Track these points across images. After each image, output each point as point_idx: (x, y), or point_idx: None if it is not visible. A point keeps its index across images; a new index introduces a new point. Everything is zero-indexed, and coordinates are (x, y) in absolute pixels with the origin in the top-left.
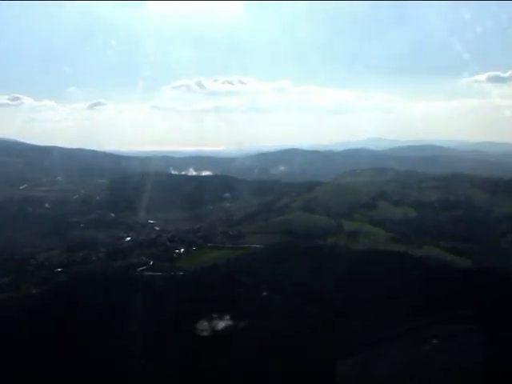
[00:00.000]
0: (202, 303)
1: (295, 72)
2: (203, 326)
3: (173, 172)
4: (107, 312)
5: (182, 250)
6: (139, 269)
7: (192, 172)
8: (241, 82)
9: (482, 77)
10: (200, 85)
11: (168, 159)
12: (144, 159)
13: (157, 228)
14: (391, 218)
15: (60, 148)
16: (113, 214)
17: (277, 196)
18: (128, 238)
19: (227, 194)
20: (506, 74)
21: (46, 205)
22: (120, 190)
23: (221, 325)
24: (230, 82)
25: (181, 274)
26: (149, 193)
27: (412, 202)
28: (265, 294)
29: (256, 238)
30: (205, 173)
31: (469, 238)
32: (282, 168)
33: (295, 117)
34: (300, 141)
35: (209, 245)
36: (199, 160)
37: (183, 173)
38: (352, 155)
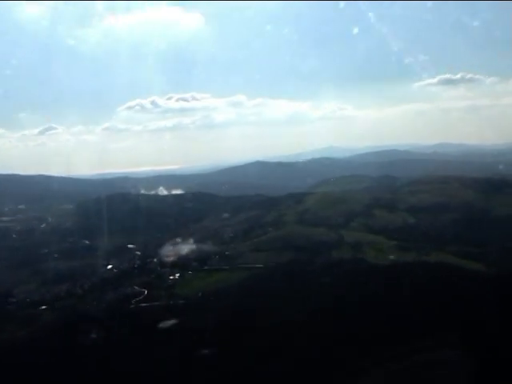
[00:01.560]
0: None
1: (250, 86)
2: None
3: (143, 192)
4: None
5: (177, 275)
6: (134, 300)
7: (163, 191)
8: (195, 99)
9: (434, 80)
10: (154, 104)
11: (130, 180)
12: (105, 181)
13: (138, 253)
14: (390, 226)
15: (17, 175)
16: (87, 241)
17: (262, 210)
18: (109, 266)
19: (208, 212)
20: (457, 77)
21: (13, 235)
22: (90, 214)
23: None
24: (185, 100)
25: (181, 302)
26: (122, 215)
27: (407, 208)
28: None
29: (255, 256)
30: (176, 191)
31: (476, 241)
32: (251, 181)
33: (252, 130)
34: (260, 153)
35: (205, 268)
36: (163, 179)
37: (153, 192)
38: (316, 164)
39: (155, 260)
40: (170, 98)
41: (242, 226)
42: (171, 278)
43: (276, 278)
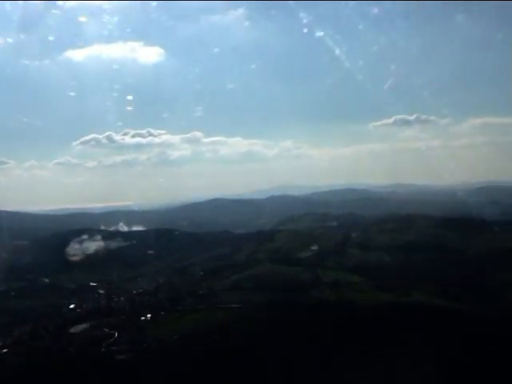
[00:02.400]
0: None
1: (206, 123)
2: None
3: (103, 228)
4: None
5: (149, 316)
6: (104, 343)
7: (123, 227)
8: (151, 135)
9: (390, 121)
10: (110, 139)
11: (87, 215)
12: (60, 217)
13: (101, 291)
14: (365, 264)
15: None
16: (46, 279)
17: (231, 248)
18: (72, 306)
19: (173, 249)
20: (412, 117)
21: None
22: (48, 251)
23: None
24: (141, 135)
25: (156, 346)
26: (82, 252)
27: (380, 246)
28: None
29: (231, 296)
30: (137, 227)
31: (452, 280)
32: (212, 218)
33: (208, 168)
34: (217, 191)
35: (178, 308)
36: (120, 214)
37: (113, 228)
38: (275, 202)
39: (122, 299)
40: (126, 134)
41: (212, 264)
42: (142, 318)
43: (258, 321)
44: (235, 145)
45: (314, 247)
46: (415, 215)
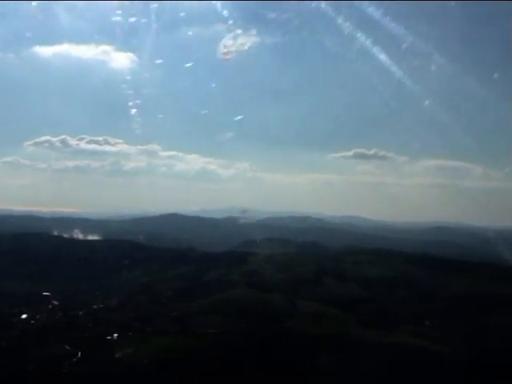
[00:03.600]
0: None
1: (166, 136)
2: None
3: (56, 234)
4: None
5: (115, 335)
6: (67, 363)
7: (78, 235)
8: (108, 143)
9: (349, 153)
10: (64, 143)
11: (35, 219)
12: (4, 218)
13: (55, 302)
14: (343, 297)
15: None
16: None
17: (199, 267)
18: (24, 316)
19: (134, 262)
20: (371, 152)
21: None
22: None
23: None
24: (97, 142)
25: (125, 371)
26: (34, 258)
27: (356, 278)
28: None
29: (206, 320)
30: (92, 237)
31: (431, 320)
32: (170, 233)
33: (162, 182)
34: (171, 206)
35: (149, 329)
36: (72, 221)
37: (66, 235)
38: (233, 223)
39: (81, 313)
40: (81, 139)
41: (180, 284)
42: (108, 338)
43: (236, 349)
44: (191, 161)
45: (289, 274)
46: (383, 250)
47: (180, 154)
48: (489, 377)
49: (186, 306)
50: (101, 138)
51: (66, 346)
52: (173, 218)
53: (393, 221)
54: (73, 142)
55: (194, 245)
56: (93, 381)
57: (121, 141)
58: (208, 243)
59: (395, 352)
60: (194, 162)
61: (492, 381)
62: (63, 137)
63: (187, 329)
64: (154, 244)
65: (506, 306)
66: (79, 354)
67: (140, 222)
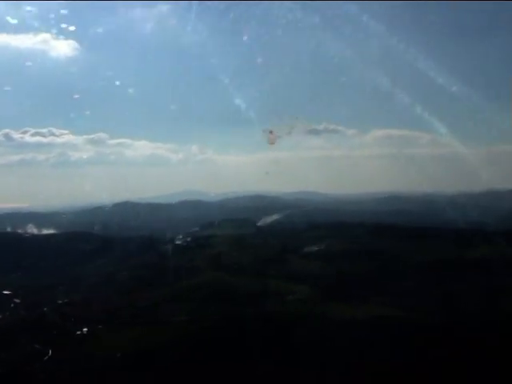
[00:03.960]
0: None
1: (113, 124)
2: None
3: (9, 230)
4: None
5: (85, 330)
6: (37, 363)
7: (33, 229)
8: (53, 135)
9: (298, 129)
10: (7, 137)
11: None
12: None
13: (17, 300)
14: (311, 273)
15: None
16: None
17: (160, 254)
18: None
19: (93, 254)
20: (321, 127)
21: None
22: None
23: None
24: (42, 135)
25: (99, 365)
26: None
27: (319, 254)
28: None
29: (176, 307)
30: (48, 230)
31: (401, 290)
32: (125, 222)
33: (112, 170)
34: (123, 194)
35: (117, 321)
36: (23, 216)
37: (20, 230)
38: (187, 207)
39: (46, 309)
40: (25, 132)
41: (144, 272)
42: (78, 333)
43: (217, 334)
44: (140, 148)
45: (254, 255)
46: (343, 223)
47: (128, 141)
48: (469, 340)
49: (153, 294)
50: (45, 130)
51: (36, 345)
52: (127, 207)
53: (346, 193)
54: (16, 135)
55: (152, 232)
56: (67, 379)
57: (66, 131)
58: (166, 229)
59: (374, 325)
60: (143, 148)
61: (473, 344)
62: (6, 131)
63: (157, 318)
64: (111, 234)
65: (471, 269)
66: (50, 352)
67: (94, 212)
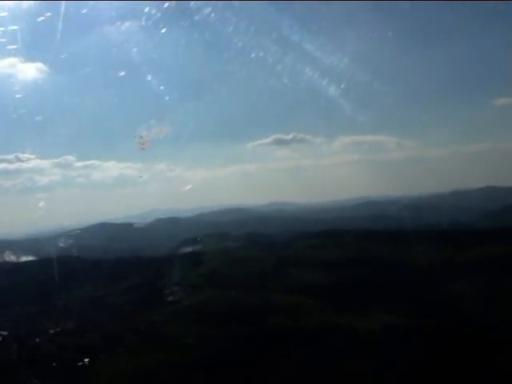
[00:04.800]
0: None
1: (79, 147)
2: None
3: None
4: None
5: (86, 360)
6: None
7: (10, 257)
8: (19, 160)
9: (268, 140)
10: None
11: None
12: None
13: (4, 333)
14: (311, 285)
15: None
16: None
17: (150, 275)
18: None
19: (80, 279)
20: (289, 137)
21: None
22: None
23: None
24: (8, 161)
25: None
26: None
27: (314, 264)
28: None
29: (179, 329)
30: (26, 258)
31: (406, 296)
32: (104, 244)
33: (80, 193)
34: (93, 216)
35: (120, 349)
36: None
37: None
38: (164, 225)
39: (38, 341)
40: None
41: (136, 295)
42: (79, 364)
43: (228, 354)
44: (108, 169)
45: (249, 269)
46: (330, 231)
47: (96, 163)
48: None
49: (152, 317)
50: (11, 156)
51: (35, 381)
52: (101, 228)
53: (318, 201)
54: None
55: (133, 252)
56: None
57: (33, 156)
58: (147, 248)
59: (389, 334)
60: (111, 168)
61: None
62: None
63: (162, 342)
64: (91, 257)
65: (467, 270)
66: None
67: (68, 236)
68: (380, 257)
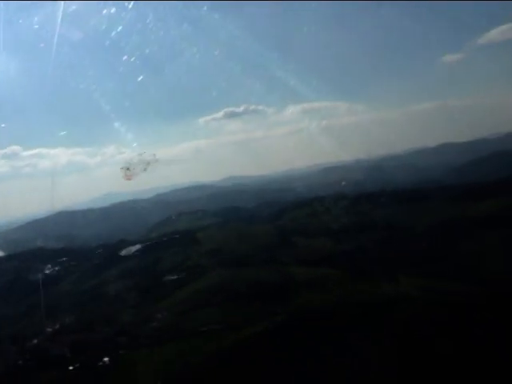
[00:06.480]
0: None
1: (25, 135)
2: None
3: None
4: None
5: (106, 359)
6: None
7: None
8: None
9: (219, 114)
10: None
11: None
12: None
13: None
14: (323, 254)
15: None
16: None
17: (144, 259)
18: None
19: (64, 272)
20: (240, 109)
21: None
22: None
23: None
24: None
25: None
26: None
27: (322, 232)
28: None
29: (201, 316)
30: None
31: (425, 258)
32: (75, 232)
33: (31, 184)
34: (49, 205)
35: (142, 342)
36: None
37: None
38: (127, 208)
39: (36, 342)
40: None
41: (135, 282)
42: (100, 364)
43: (260, 337)
44: (57, 156)
45: (254, 244)
46: (318, 198)
47: (44, 151)
48: None
49: (163, 305)
50: None
51: None
52: (60, 217)
53: (273, 172)
54: None
55: (113, 237)
56: None
57: None
58: (125, 232)
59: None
60: (60, 155)
61: None
62: None
63: (184, 331)
64: (66, 246)
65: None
66: None
67: (30, 227)
68: (382, 219)
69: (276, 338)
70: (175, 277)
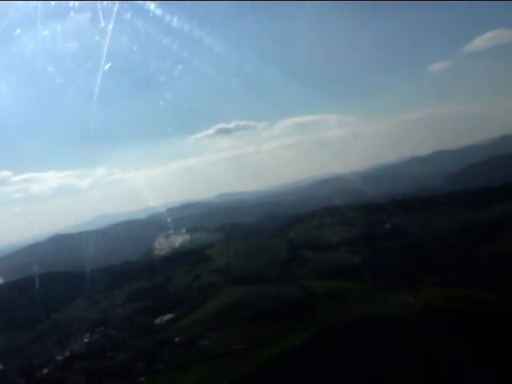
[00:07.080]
0: None
1: (17, 159)
2: None
3: None
4: None
5: None
6: None
7: None
8: None
9: (210, 131)
10: None
11: None
12: None
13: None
14: (339, 267)
15: None
16: None
17: (151, 278)
18: None
19: (70, 295)
20: (231, 125)
21: None
22: None
23: None
24: None
25: None
26: None
27: (332, 245)
28: None
29: (220, 336)
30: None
31: (443, 266)
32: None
33: (24, 208)
34: (43, 230)
35: (162, 368)
36: None
37: None
38: (123, 229)
39: (46, 371)
40: None
41: (149, 303)
42: None
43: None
44: (48, 180)
45: (266, 260)
46: (320, 210)
47: (35, 175)
48: None
49: (182, 326)
50: None
51: None
52: (57, 240)
53: (267, 186)
54: None
55: (114, 259)
56: None
57: None
58: (126, 253)
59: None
60: (51, 179)
61: None
62: None
63: (208, 351)
64: (69, 269)
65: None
66: None
67: (28, 251)
68: (391, 228)
69: (305, 354)
70: (189, 296)
